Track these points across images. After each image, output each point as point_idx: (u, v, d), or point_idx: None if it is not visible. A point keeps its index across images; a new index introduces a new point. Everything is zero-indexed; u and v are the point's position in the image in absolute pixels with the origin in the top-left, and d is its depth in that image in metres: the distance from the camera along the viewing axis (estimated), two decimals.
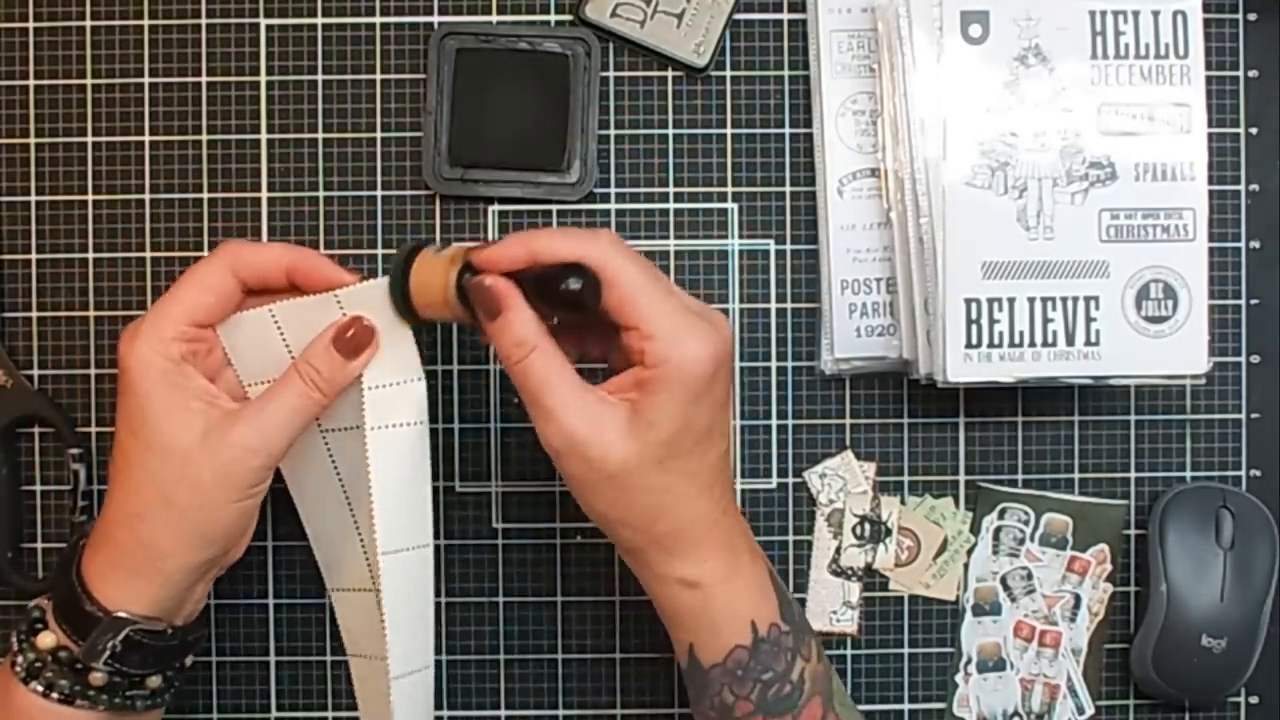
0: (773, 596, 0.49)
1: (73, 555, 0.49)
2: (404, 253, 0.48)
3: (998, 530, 0.61)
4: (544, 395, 0.46)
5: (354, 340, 0.48)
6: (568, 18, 0.60)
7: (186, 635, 0.50)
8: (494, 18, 0.60)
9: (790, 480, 0.61)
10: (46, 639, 0.47)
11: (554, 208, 0.60)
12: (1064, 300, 0.57)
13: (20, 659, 0.48)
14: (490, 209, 0.60)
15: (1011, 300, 0.57)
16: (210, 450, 0.47)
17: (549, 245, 0.46)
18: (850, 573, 0.61)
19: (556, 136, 0.59)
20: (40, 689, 0.47)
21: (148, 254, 0.60)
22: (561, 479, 0.50)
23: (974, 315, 0.57)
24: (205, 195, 0.60)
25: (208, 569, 0.49)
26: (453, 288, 0.47)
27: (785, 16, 0.61)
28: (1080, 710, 0.61)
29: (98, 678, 0.47)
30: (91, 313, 0.60)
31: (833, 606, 0.61)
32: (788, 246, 0.61)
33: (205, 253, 0.60)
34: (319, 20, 0.60)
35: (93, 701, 0.48)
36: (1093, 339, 0.57)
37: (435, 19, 0.60)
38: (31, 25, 0.60)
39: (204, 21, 0.60)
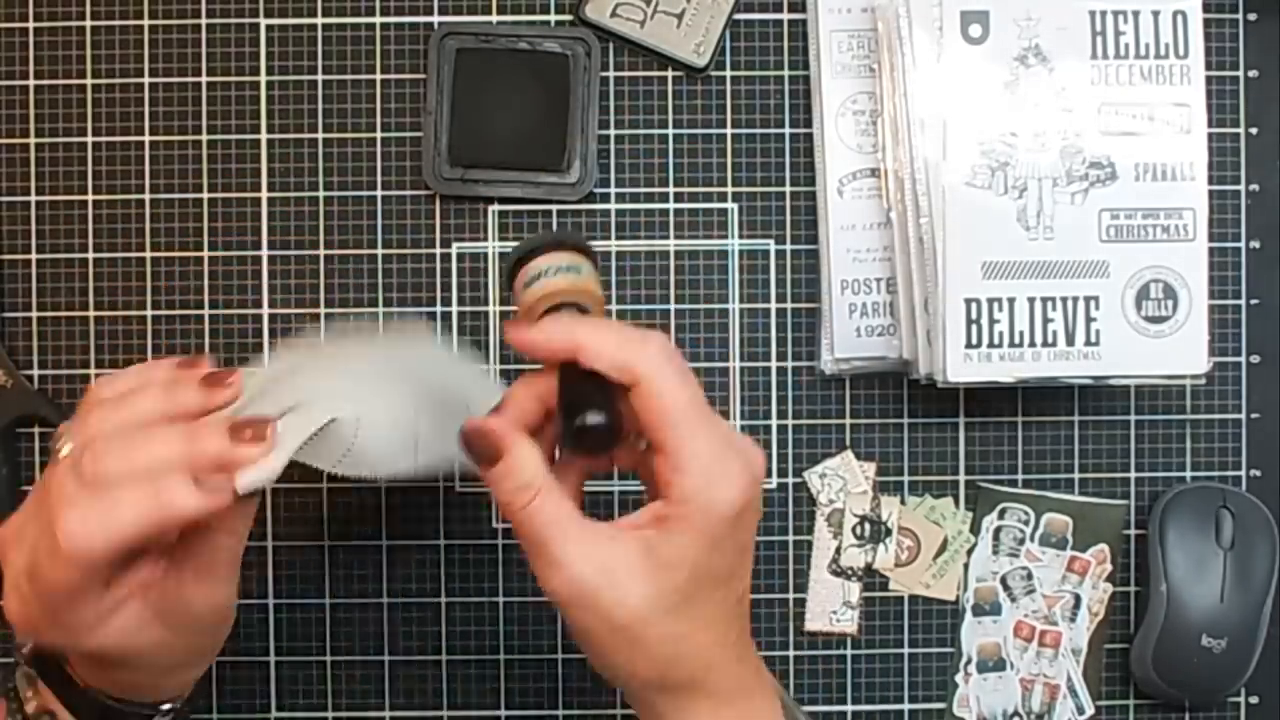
0: None
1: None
2: (516, 253, 0.45)
3: (998, 530, 0.61)
4: (550, 543, 0.41)
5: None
6: (568, 18, 0.60)
7: (179, 706, 0.48)
8: (494, 18, 0.60)
9: (790, 480, 0.61)
10: (33, 707, 0.45)
11: (554, 207, 0.60)
12: (1064, 300, 0.57)
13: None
14: (490, 209, 0.60)
15: (1011, 300, 0.57)
16: (183, 561, 0.43)
17: (597, 343, 0.42)
18: (850, 573, 0.61)
19: (556, 136, 0.59)
20: None
21: (148, 254, 0.60)
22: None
23: (974, 315, 0.57)
24: (205, 195, 0.60)
25: (204, 654, 0.47)
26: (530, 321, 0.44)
27: (785, 16, 0.61)
28: (1080, 710, 0.61)
29: None
30: (91, 313, 0.60)
31: (833, 606, 0.61)
32: (788, 246, 0.61)
33: (205, 252, 0.60)
34: (319, 20, 0.60)
35: None
36: (1093, 339, 0.57)
37: (435, 19, 0.60)
38: (31, 25, 0.60)
39: (204, 21, 0.60)
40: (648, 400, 0.41)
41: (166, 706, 0.46)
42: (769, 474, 0.61)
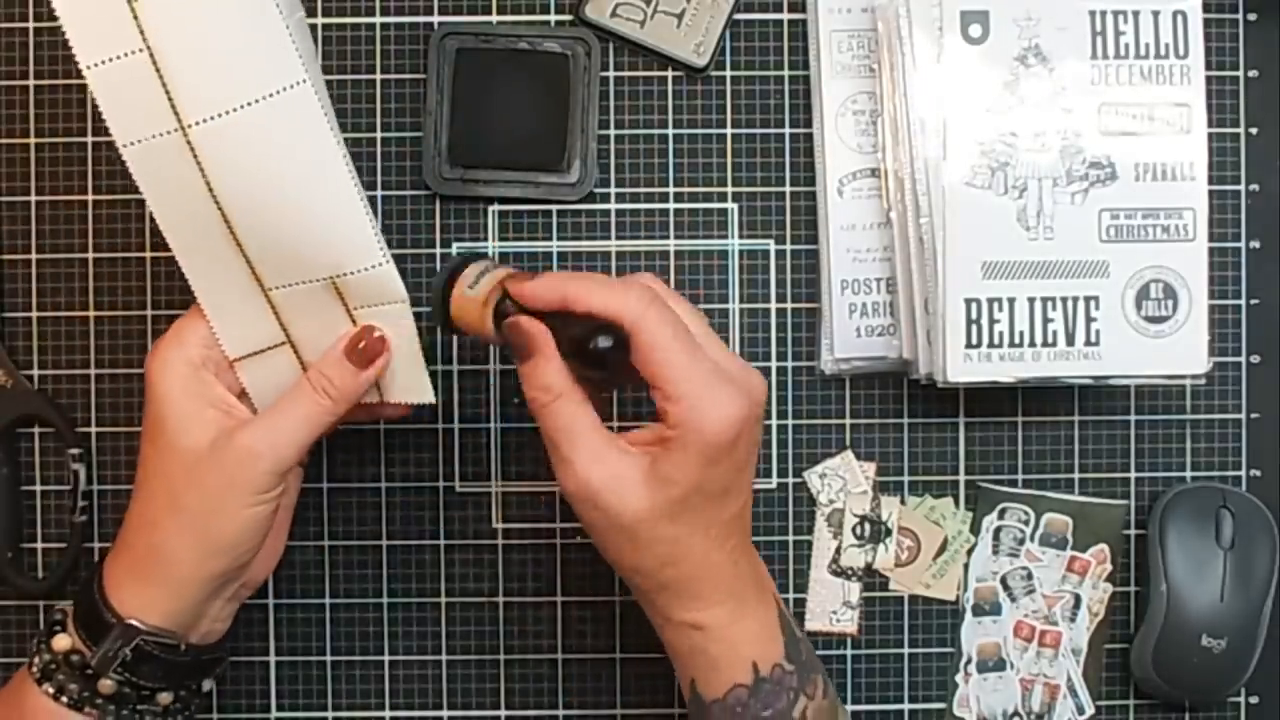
0: (779, 637, 0.49)
1: (99, 562, 0.49)
2: (445, 273, 0.49)
3: (998, 530, 0.61)
4: (565, 443, 0.46)
5: (366, 352, 0.49)
6: (568, 18, 0.60)
7: (201, 654, 0.50)
8: (494, 18, 0.60)
9: (790, 480, 0.61)
10: (61, 641, 0.48)
11: (554, 207, 0.60)
12: (1064, 300, 0.57)
13: (37, 660, 0.48)
14: (490, 209, 0.60)
15: (1011, 300, 0.57)
16: (217, 454, 0.47)
17: (582, 292, 0.46)
18: (850, 573, 0.61)
19: (556, 136, 0.59)
20: (51, 691, 0.47)
21: (148, 254, 0.60)
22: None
23: (974, 315, 0.57)
24: None
25: (221, 582, 0.49)
26: (490, 317, 0.47)
27: (785, 16, 0.61)
28: (1080, 710, 0.61)
29: (107, 685, 0.48)
30: (91, 313, 0.60)
31: (833, 606, 0.61)
32: (788, 246, 0.61)
33: None
34: (319, 20, 0.60)
35: (101, 710, 0.48)
36: (1093, 339, 0.57)
37: (435, 19, 0.60)
38: (31, 25, 0.60)
39: None
40: (638, 344, 0.45)
41: (132, 621, 0.47)
42: (769, 474, 0.61)
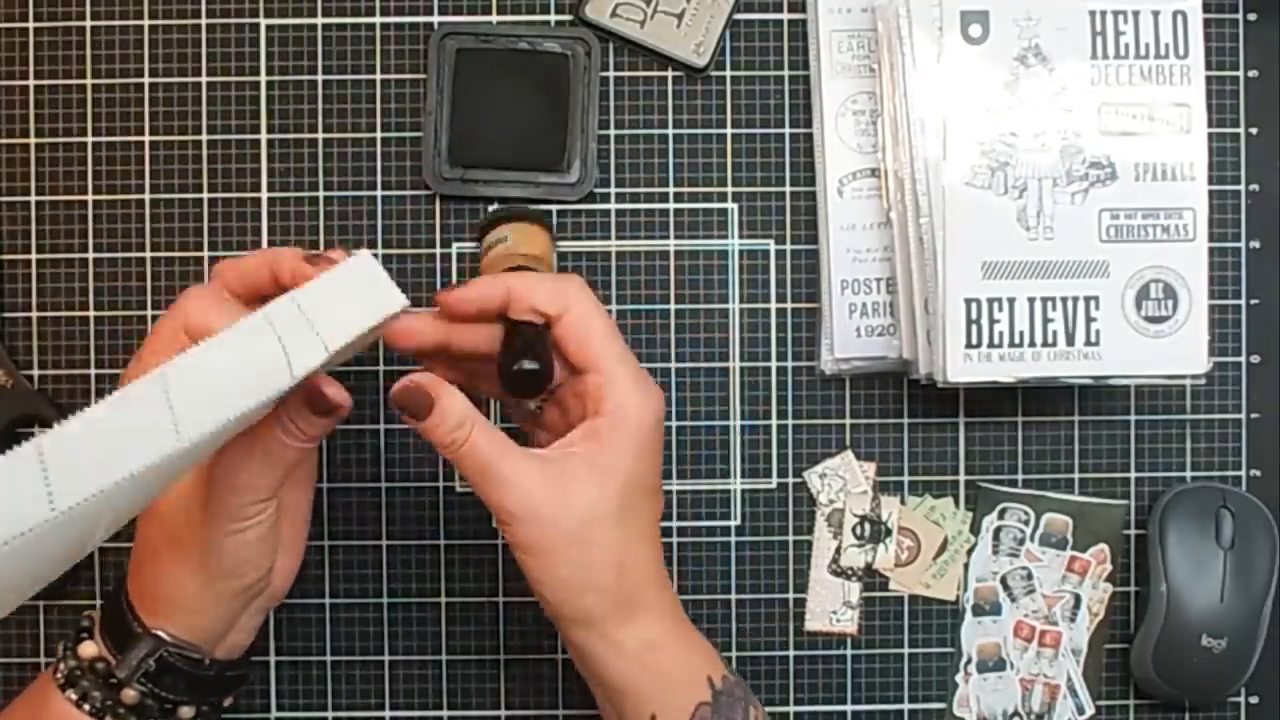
0: (713, 649, 0.50)
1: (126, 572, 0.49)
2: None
3: (998, 530, 0.61)
4: (493, 466, 0.45)
5: (327, 402, 0.45)
6: (568, 18, 0.60)
7: (225, 670, 0.50)
8: (494, 18, 0.60)
9: (790, 480, 0.61)
10: (88, 648, 0.48)
11: (554, 208, 0.60)
12: (1064, 300, 0.57)
13: (62, 665, 0.48)
14: (490, 209, 0.60)
15: (1011, 300, 0.57)
16: (201, 486, 0.46)
17: (525, 288, 0.47)
18: (850, 573, 0.61)
19: (556, 136, 0.59)
20: (74, 697, 0.47)
21: (148, 254, 0.60)
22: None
23: (974, 315, 0.57)
24: (205, 195, 0.60)
25: (237, 598, 0.49)
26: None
27: (785, 16, 0.61)
28: (1080, 710, 0.61)
29: (130, 695, 0.47)
30: (91, 313, 0.60)
31: (833, 606, 0.61)
32: (788, 246, 0.61)
33: (205, 252, 0.60)
34: (319, 20, 0.60)
35: (121, 718, 0.48)
36: (1093, 339, 0.57)
37: (435, 19, 0.60)
38: (31, 25, 0.60)
39: (204, 21, 0.60)
40: (575, 328, 0.47)
41: (158, 631, 0.47)
42: (769, 474, 0.61)
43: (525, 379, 0.46)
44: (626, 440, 0.46)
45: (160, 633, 0.47)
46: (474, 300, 0.48)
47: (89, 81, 0.60)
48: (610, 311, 0.60)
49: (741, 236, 0.61)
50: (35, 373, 0.60)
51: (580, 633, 0.47)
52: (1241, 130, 0.61)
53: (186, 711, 0.49)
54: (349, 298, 0.42)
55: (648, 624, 0.47)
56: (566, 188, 0.60)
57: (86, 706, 0.47)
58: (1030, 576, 0.61)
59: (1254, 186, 0.61)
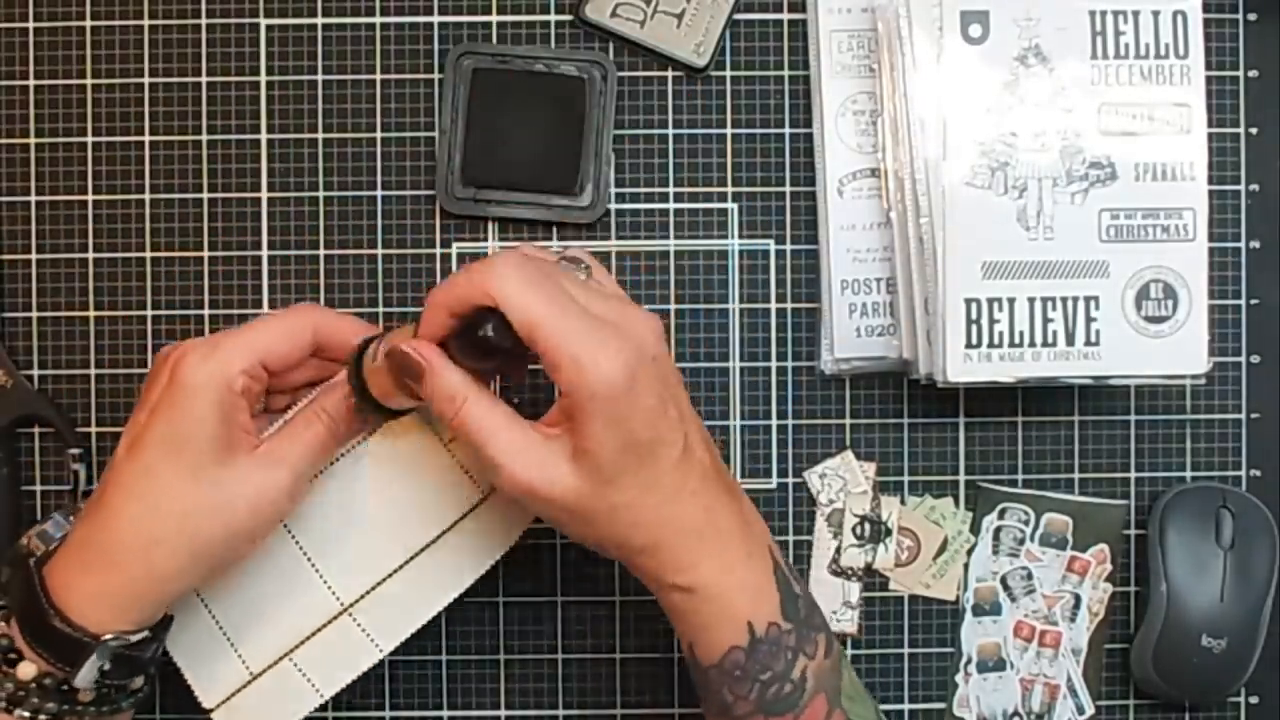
0: (773, 595, 0.48)
1: (30, 574, 0.47)
2: (354, 360, 0.49)
3: (998, 530, 0.61)
4: (487, 447, 0.45)
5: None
6: (568, 18, 0.60)
7: (162, 631, 0.49)
8: (494, 18, 0.60)
9: (790, 480, 0.61)
10: (27, 669, 0.46)
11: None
12: (1064, 300, 0.57)
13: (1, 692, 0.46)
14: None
15: (1011, 300, 0.57)
16: (249, 486, 0.47)
17: (451, 295, 0.45)
18: (850, 573, 0.61)
19: (570, 160, 0.59)
20: (27, 714, 0.46)
21: (148, 254, 0.60)
22: None
23: (974, 315, 0.57)
24: (205, 195, 0.60)
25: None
26: (391, 379, 0.48)
27: (785, 16, 0.61)
28: (1080, 710, 0.61)
29: (86, 694, 0.47)
30: (91, 313, 0.60)
31: (833, 606, 0.61)
32: (788, 246, 0.61)
33: (205, 252, 0.60)
34: (319, 20, 0.60)
35: (80, 714, 0.47)
36: (1093, 339, 0.57)
37: (435, 19, 0.60)
38: (31, 25, 0.60)
39: (204, 21, 0.60)
40: (513, 315, 0.44)
41: (109, 637, 0.46)
42: (769, 474, 0.61)
43: (488, 341, 0.45)
44: (592, 419, 0.44)
45: (109, 636, 0.46)
46: (428, 331, 0.47)
47: (89, 81, 0.60)
48: None
49: (741, 236, 0.61)
50: (35, 373, 0.60)
51: (626, 566, 0.49)
52: (1241, 130, 0.61)
53: (138, 680, 0.49)
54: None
55: (683, 569, 0.47)
56: (579, 210, 0.60)
57: (42, 717, 0.46)
58: (1030, 576, 0.61)
59: (1254, 186, 0.61)
